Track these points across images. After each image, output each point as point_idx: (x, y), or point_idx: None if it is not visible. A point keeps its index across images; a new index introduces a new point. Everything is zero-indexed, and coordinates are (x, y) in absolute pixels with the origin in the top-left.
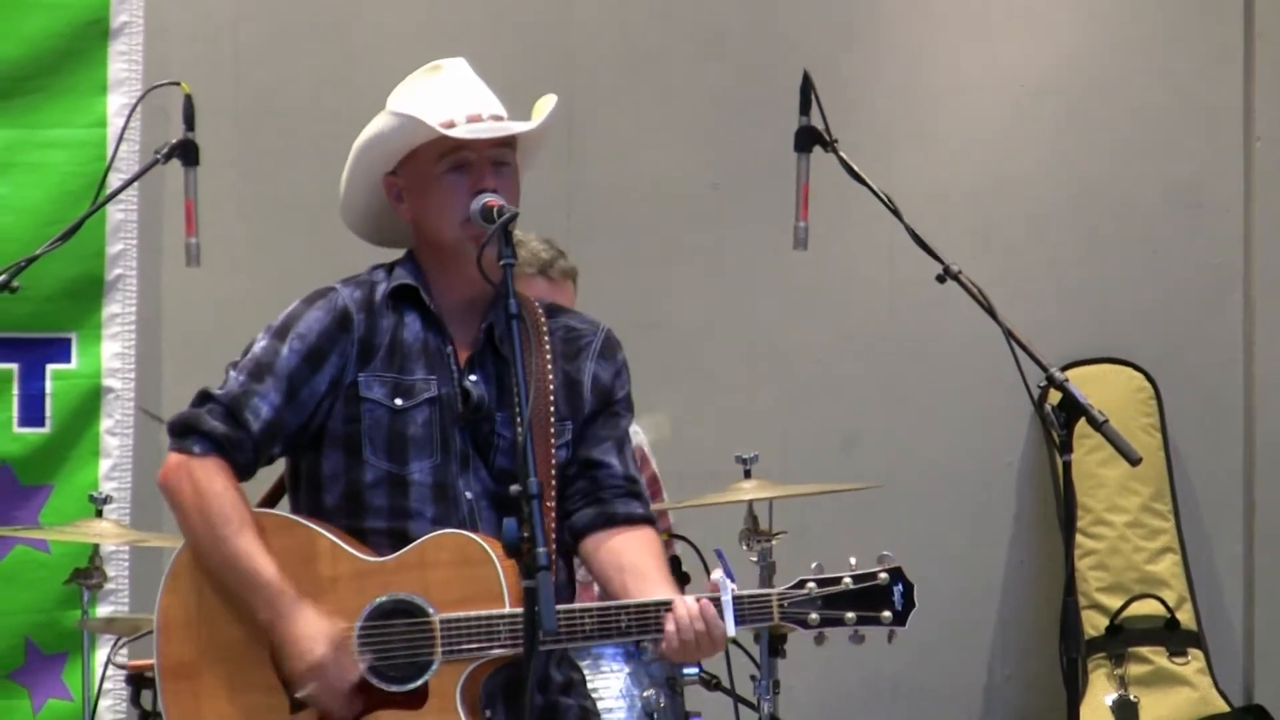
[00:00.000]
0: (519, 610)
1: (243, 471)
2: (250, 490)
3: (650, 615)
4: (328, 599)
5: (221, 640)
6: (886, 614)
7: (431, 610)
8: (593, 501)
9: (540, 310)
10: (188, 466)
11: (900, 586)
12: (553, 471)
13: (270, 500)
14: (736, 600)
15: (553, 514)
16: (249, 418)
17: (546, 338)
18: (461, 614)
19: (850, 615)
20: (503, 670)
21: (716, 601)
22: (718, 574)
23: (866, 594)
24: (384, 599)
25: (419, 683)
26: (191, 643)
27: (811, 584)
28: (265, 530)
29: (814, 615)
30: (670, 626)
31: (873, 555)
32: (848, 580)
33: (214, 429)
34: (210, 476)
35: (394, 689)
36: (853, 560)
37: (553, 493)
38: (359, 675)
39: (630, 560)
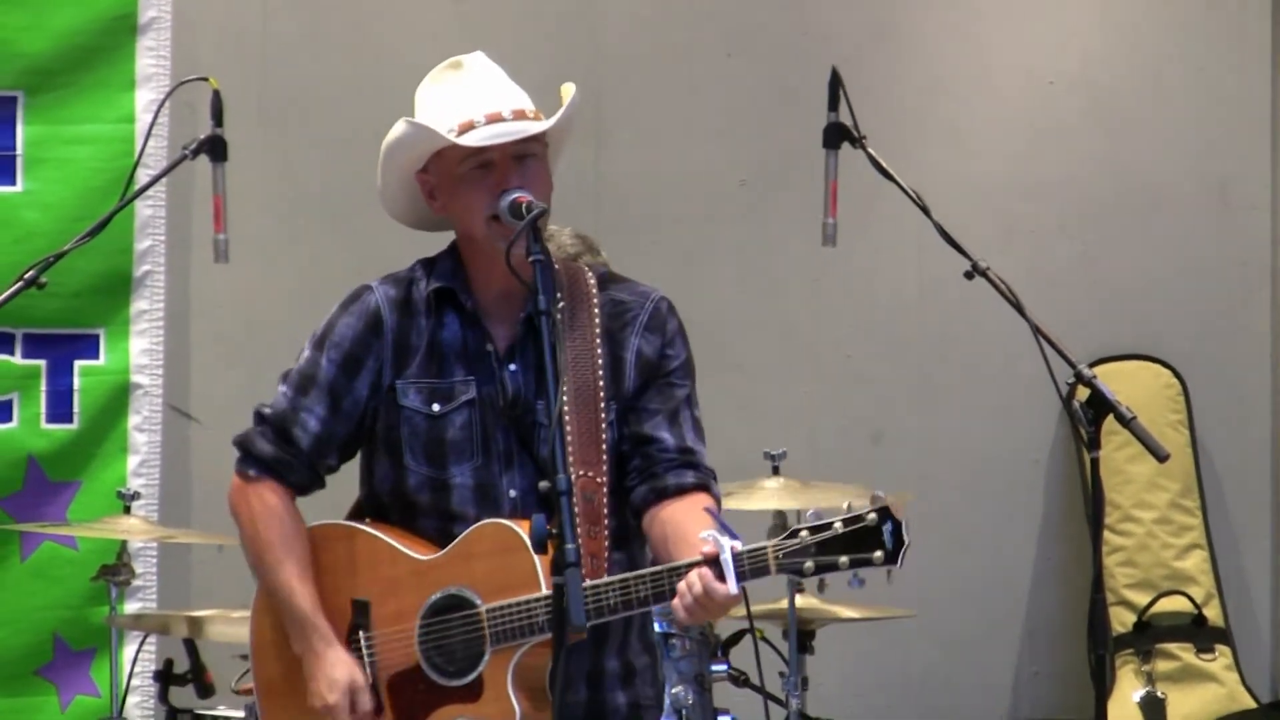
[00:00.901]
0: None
1: (299, 489)
2: (332, 501)
3: (663, 581)
4: (390, 601)
5: (297, 659)
6: (878, 554)
7: (479, 601)
8: (646, 478)
9: (592, 281)
10: (244, 491)
11: (889, 525)
12: (604, 451)
13: (356, 515)
14: (735, 557)
15: (603, 492)
16: (298, 434)
17: (596, 311)
18: (504, 602)
19: (843, 559)
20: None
21: (717, 561)
22: (708, 534)
23: (857, 536)
24: (438, 595)
25: (474, 675)
26: (279, 660)
27: (804, 532)
28: (329, 540)
29: (809, 563)
30: (675, 597)
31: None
32: (838, 525)
33: (264, 452)
34: (263, 502)
35: (453, 684)
36: (846, 504)
37: (605, 472)
38: None
39: (675, 528)
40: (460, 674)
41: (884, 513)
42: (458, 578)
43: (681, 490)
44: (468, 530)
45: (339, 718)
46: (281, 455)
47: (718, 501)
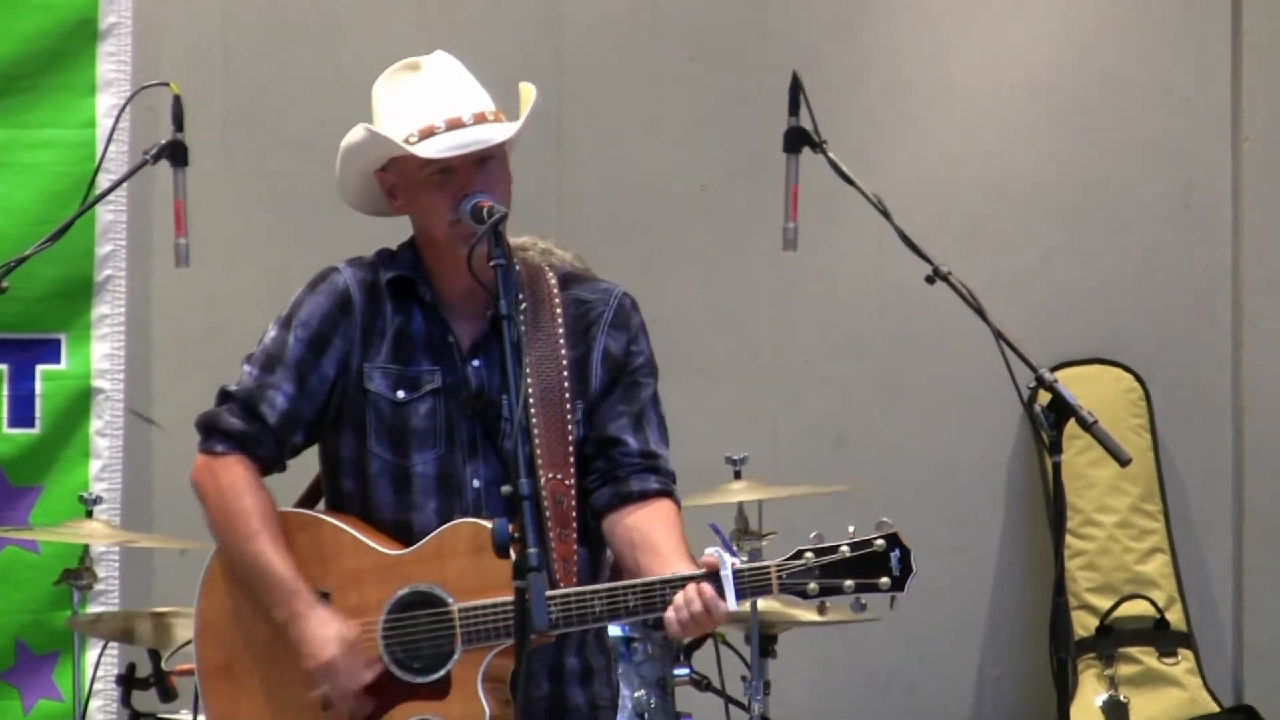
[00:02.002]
0: (551, 594)
1: (267, 465)
2: (285, 487)
3: (656, 593)
4: (353, 593)
5: (256, 639)
6: (884, 580)
7: (450, 600)
8: (609, 481)
9: (553, 281)
10: (210, 467)
11: (897, 552)
12: (570, 452)
13: (307, 501)
14: (736, 574)
15: (572, 495)
16: (265, 410)
17: (559, 311)
18: (478, 602)
19: (849, 583)
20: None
21: (715, 576)
22: (712, 550)
23: (863, 561)
24: (405, 591)
25: (441, 673)
26: (228, 644)
27: (809, 554)
28: (291, 528)
29: (812, 585)
30: (670, 609)
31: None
32: (844, 548)
33: (232, 426)
34: (232, 475)
35: (418, 680)
36: (850, 528)
37: (573, 474)
38: (372, 676)
39: (642, 536)
40: (426, 671)
41: (892, 539)
42: (427, 575)
43: (645, 495)
44: (441, 529)
45: (339, 672)
46: (250, 429)
47: (678, 505)
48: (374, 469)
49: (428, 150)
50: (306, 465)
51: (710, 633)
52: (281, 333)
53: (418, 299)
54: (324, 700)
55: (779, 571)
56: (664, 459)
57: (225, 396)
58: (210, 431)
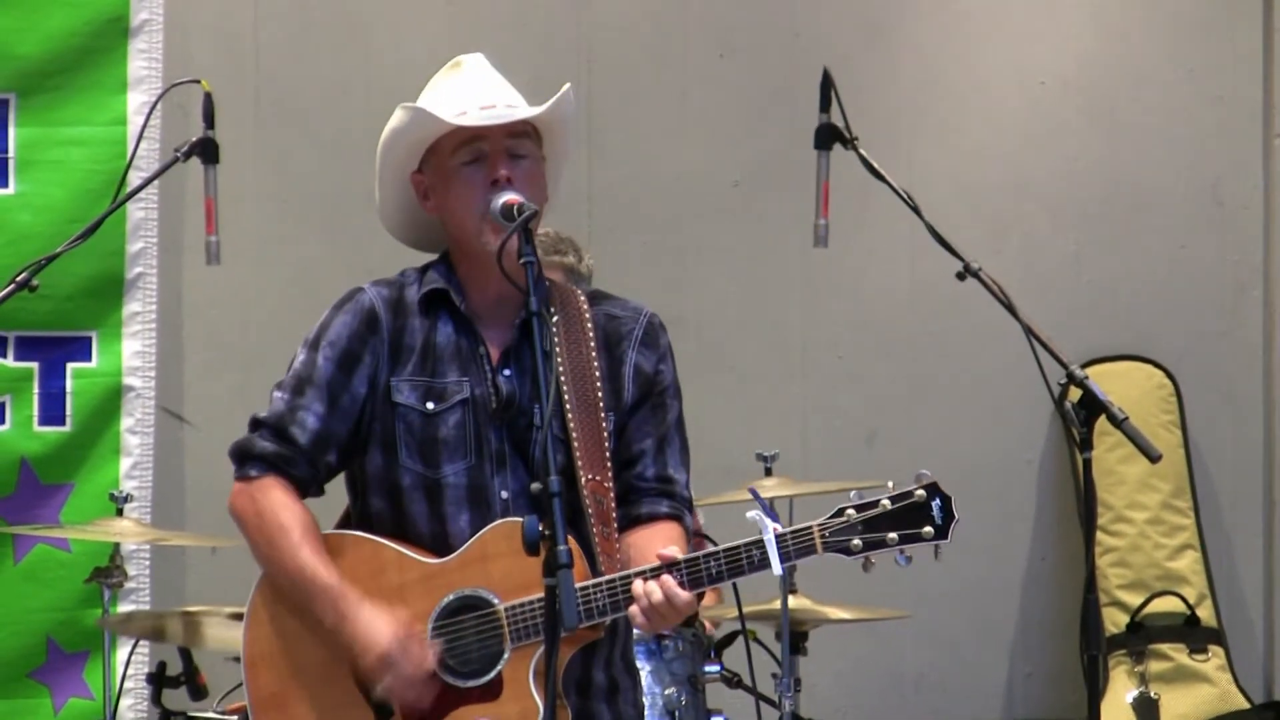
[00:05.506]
0: (580, 584)
1: (303, 485)
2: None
3: (619, 590)
4: (400, 607)
5: (304, 666)
6: (928, 530)
7: (497, 600)
8: (622, 504)
9: (583, 298)
10: (247, 491)
11: (938, 501)
12: (606, 454)
13: (342, 527)
14: (778, 539)
15: (611, 495)
16: (296, 432)
17: (590, 326)
18: (525, 599)
19: (892, 536)
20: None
21: (756, 544)
22: (753, 514)
23: (906, 513)
24: (451, 597)
25: (493, 674)
26: (277, 673)
27: (850, 511)
28: (331, 550)
29: (856, 541)
30: (633, 603)
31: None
32: (885, 502)
33: (265, 450)
34: (269, 496)
35: (470, 685)
36: (890, 483)
37: (610, 476)
38: (433, 662)
39: (639, 552)
40: (477, 674)
41: (932, 489)
42: (472, 579)
43: (654, 518)
44: (483, 531)
45: (397, 661)
46: (282, 450)
47: (688, 532)
48: (406, 482)
49: (460, 119)
50: (337, 495)
51: (674, 624)
52: (310, 354)
53: (448, 310)
54: (388, 692)
55: (822, 530)
56: (679, 484)
57: (256, 424)
58: (244, 458)
